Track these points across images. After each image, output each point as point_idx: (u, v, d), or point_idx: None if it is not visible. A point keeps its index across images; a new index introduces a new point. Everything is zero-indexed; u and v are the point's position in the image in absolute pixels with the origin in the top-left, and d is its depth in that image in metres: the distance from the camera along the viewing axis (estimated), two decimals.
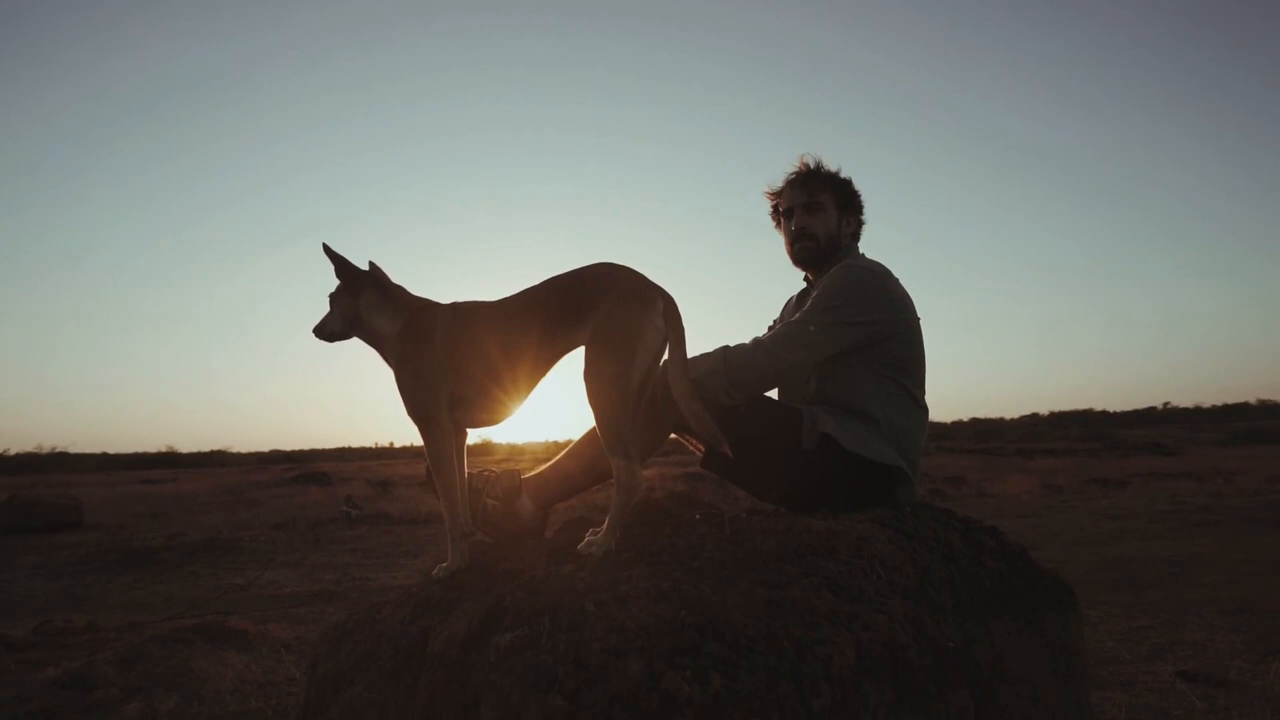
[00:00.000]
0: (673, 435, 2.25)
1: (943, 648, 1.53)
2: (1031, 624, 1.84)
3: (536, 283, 1.98)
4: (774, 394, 2.39)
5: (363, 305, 2.06)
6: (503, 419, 2.02)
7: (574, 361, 1.90)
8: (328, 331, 2.10)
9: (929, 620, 1.60)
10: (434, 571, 1.98)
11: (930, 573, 1.81)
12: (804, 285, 2.60)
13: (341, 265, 2.07)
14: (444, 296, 2.09)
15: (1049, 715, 1.74)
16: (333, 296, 2.11)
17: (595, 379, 1.82)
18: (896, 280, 2.35)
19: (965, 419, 52.42)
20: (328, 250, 2.06)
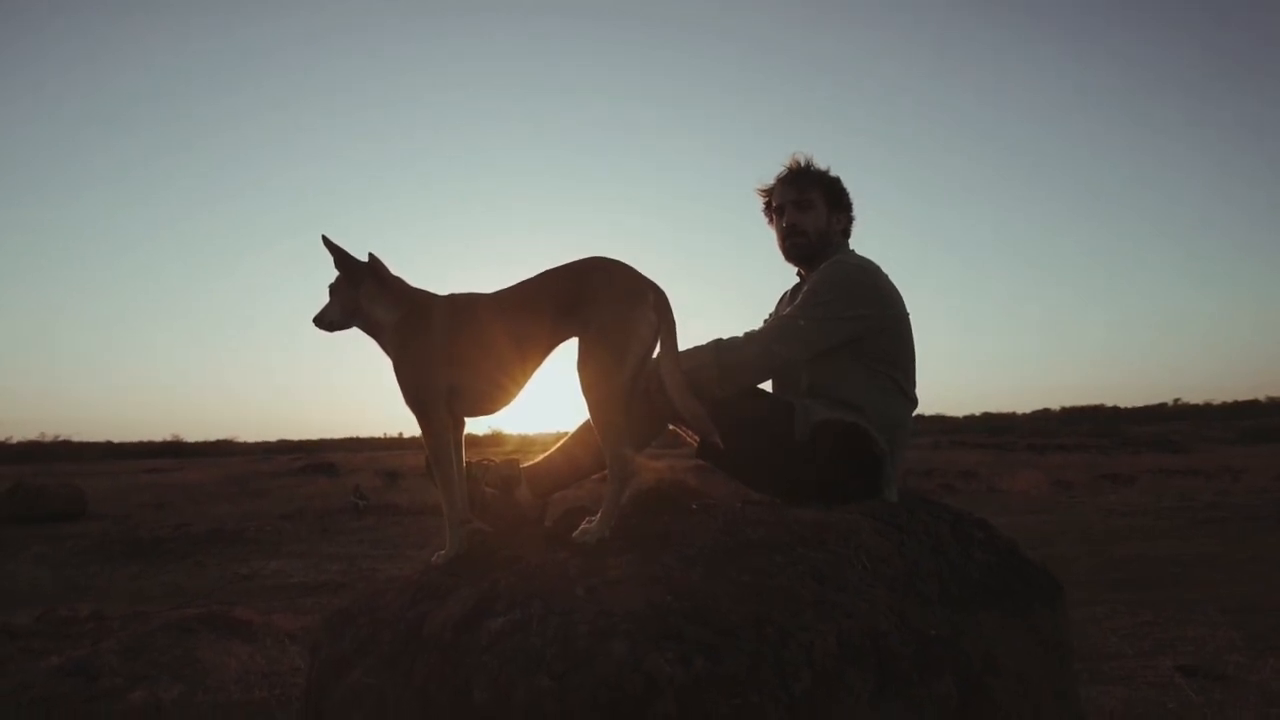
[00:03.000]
0: (670, 427, 2.27)
1: (925, 636, 1.55)
2: (1023, 619, 1.85)
3: (530, 276, 2.00)
4: (768, 386, 2.41)
5: (362, 296, 2.08)
6: (498, 409, 2.05)
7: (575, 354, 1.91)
8: (327, 321, 2.12)
9: (913, 610, 1.62)
10: (433, 558, 2.00)
11: (918, 564, 1.83)
12: (797, 280, 2.62)
13: (341, 257, 2.09)
14: (442, 289, 2.10)
15: (1039, 709, 1.75)
16: (332, 287, 2.13)
17: (589, 371, 1.85)
18: (885, 276, 2.39)
19: (978, 413, 52.34)
20: (327, 242, 2.09)
